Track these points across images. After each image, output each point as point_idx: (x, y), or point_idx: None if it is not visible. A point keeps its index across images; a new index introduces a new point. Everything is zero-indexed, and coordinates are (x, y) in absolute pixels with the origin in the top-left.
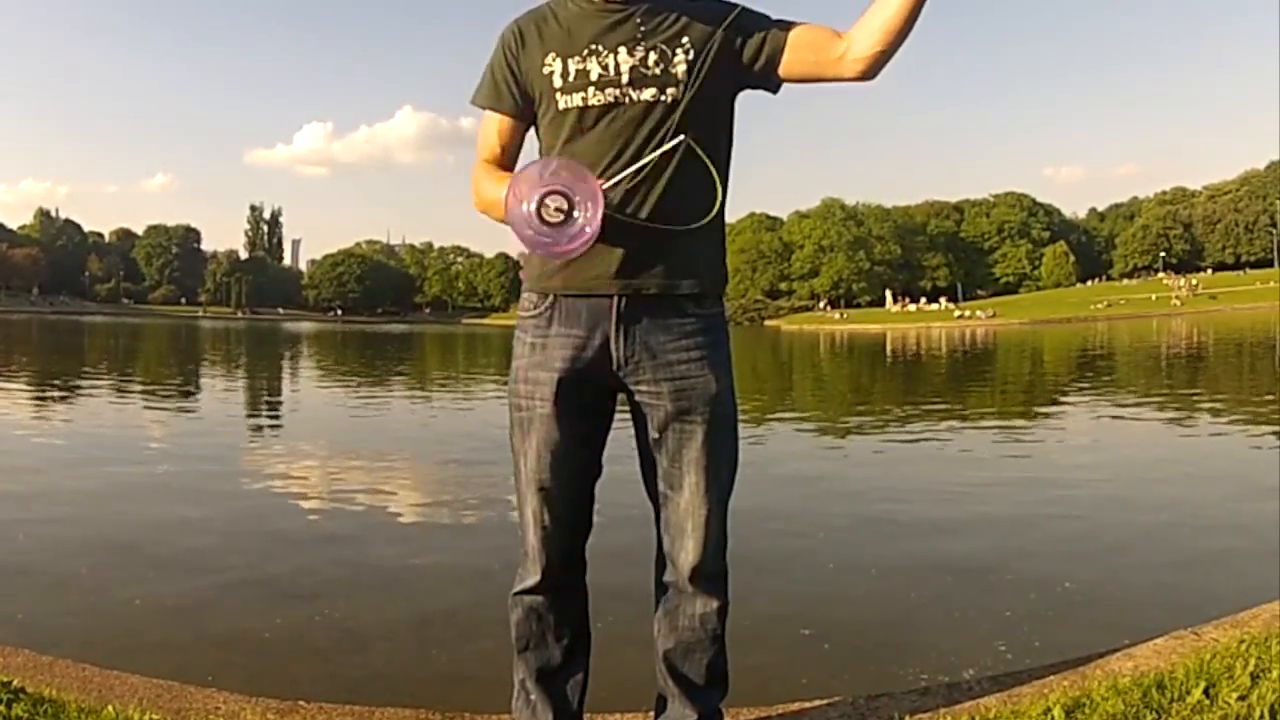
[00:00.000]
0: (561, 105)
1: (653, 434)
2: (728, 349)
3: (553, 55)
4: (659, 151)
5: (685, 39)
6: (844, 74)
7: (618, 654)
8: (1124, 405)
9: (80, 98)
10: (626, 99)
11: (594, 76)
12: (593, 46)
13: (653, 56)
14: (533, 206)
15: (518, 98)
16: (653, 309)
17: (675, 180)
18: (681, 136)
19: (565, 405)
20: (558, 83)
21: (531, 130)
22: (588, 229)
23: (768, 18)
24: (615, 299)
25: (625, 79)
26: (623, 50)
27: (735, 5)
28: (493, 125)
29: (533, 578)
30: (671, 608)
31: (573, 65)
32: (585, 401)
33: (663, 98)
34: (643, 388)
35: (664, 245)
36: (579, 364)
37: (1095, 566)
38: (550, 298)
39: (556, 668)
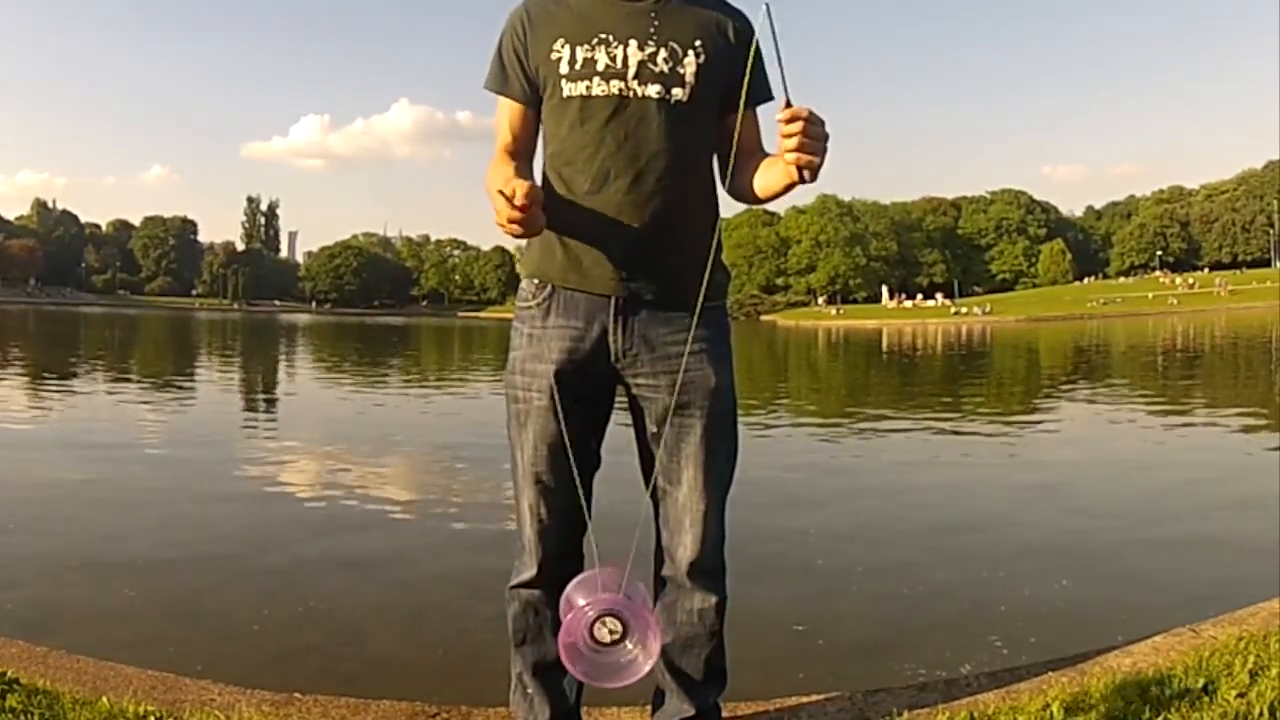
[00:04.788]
0: (565, 93)
1: (651, 428)
2: (728, 343)
3: (561, 40)
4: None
5: (699, 41)
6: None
7: None
8: (1120, 402)
9: (78, 90)
10: (631, 93)
11: (600, 66)
12: (603, 35)
13: (663, 54)
14: (587, 621)
15: (524, 82)
16: (654, 303)
17: (675, 183)
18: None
19: (563, 397)
20: (564, 69)
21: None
22: (640, 667)
23: (761, 77)
24: (614, 296)
25: (632, 73)
26: (633, 43)
27: (750, 28)
28: (503, 111)
29: (529, 571)
30: (670, 603)
31: (581, 52)
32: (583, 393)
33: (668, 97)
34: (641, 380)
35: (664, 248)
36: (577, 355)
37: (1092, 563)
38: (548, 288)
39: (554, 661)
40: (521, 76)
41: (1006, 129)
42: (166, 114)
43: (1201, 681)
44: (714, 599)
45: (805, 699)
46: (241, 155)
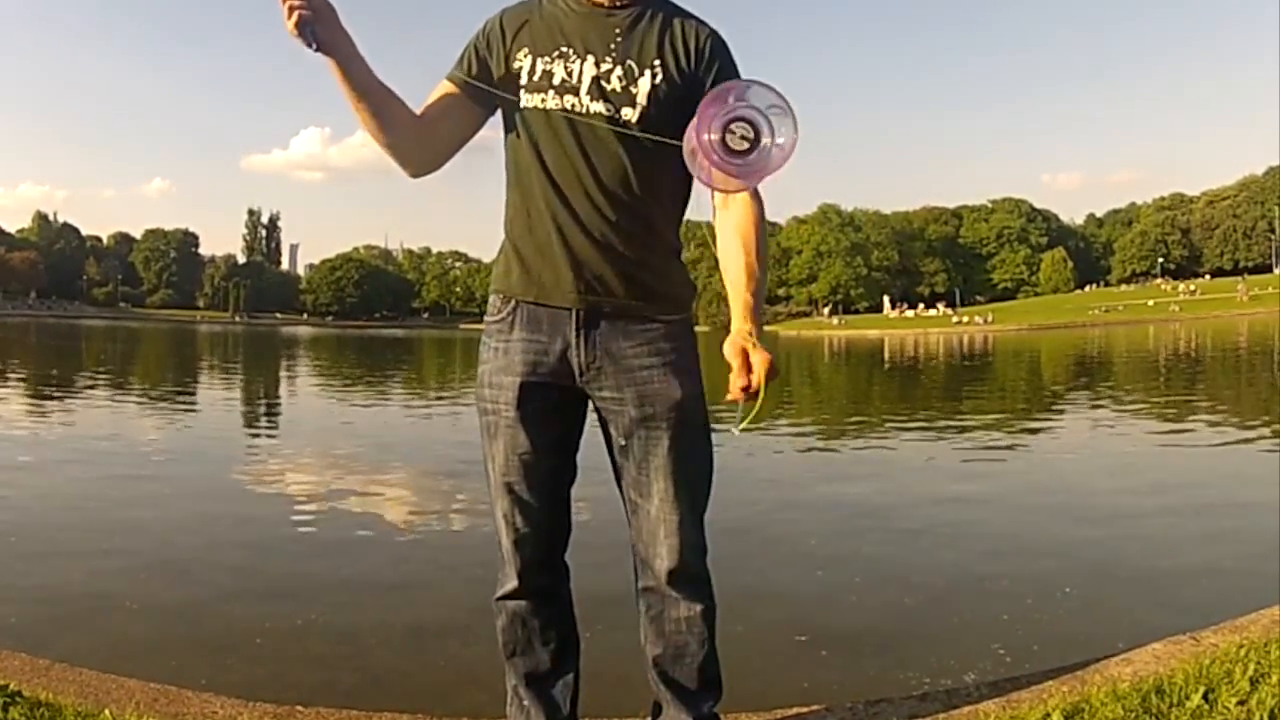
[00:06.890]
0: (522, 103)
1: (619, 441)
2: (693, 355)
3: (525, 51)
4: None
5: (658, 61)
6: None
7: (617, 657)
8: (1121, 411)
9: (79, 102)
10: (582, 109)
11: (556, 80)
12: (564, 50)
13: (618, 72)
14: (715, 136)
15: (471, 72)
16: (614, 316)
17: (627, 200)
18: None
19: (530, 410)
20: (524, 80)
21: (483, 128)
22: (785, 152)
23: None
24: (574, 310)
25: (584, 89)
26: (591, 59)
27: (724, 50)
28: (442, 87)
29: (511, 582)
30: (655, 614)
31: (540, 65)
32: (552, 405)
33: (616, 116)
34: (606, 394)
35: (619, 263)
36: (542, 369)
37: (1093, 571)
38: (512, 302)
39: (545, 672)
40: (475, 71)
41: (1006, 137)
42: (167, 126)
43: (1202, 689)
44: (699, 606)
45: (806, 709)
46: (242, 168)
